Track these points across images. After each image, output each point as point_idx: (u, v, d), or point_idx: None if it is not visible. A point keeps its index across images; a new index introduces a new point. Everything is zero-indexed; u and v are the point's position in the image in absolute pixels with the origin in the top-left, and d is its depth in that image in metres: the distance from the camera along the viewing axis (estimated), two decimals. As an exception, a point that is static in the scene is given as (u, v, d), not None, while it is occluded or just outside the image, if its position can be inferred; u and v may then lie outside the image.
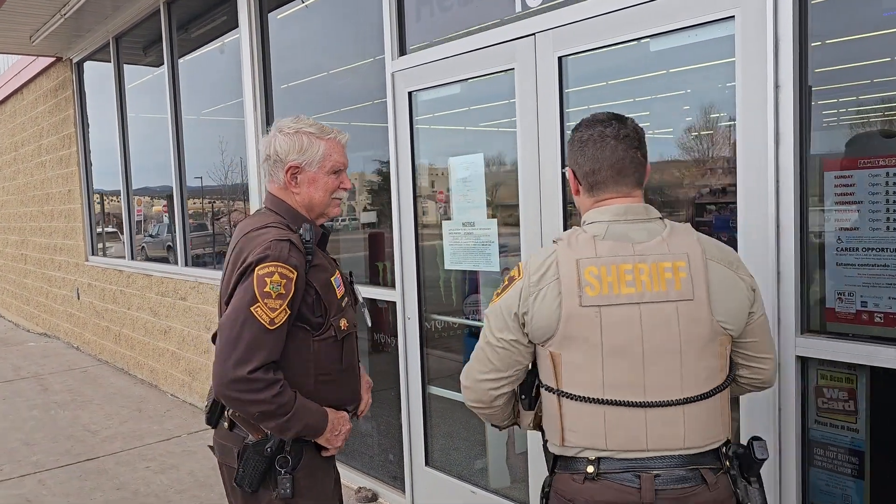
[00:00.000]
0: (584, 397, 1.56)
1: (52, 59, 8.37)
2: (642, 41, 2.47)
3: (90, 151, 8.15)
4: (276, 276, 1.85)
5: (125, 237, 7.32)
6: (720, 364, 1.59)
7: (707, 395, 1.57)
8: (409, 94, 3.46)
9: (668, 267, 1.55)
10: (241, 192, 5.68)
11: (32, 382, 7.08)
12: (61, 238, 9.00)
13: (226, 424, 2.02)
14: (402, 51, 3.55)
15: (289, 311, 1.88)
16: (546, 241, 2.83)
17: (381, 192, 4.31)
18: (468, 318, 3.54)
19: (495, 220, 3.13)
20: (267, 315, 1.84)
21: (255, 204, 4.82)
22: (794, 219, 2.10)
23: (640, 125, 1.69)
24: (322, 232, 2.12)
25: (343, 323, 2.05)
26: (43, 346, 9.09)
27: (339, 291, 2.05)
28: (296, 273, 1.88)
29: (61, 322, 9.34)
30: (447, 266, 3.37)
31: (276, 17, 4.70)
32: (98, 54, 7.50)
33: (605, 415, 1.55)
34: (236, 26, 4.99)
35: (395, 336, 3.81)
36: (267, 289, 1.84)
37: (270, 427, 1.92)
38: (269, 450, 1.94)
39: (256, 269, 1.85)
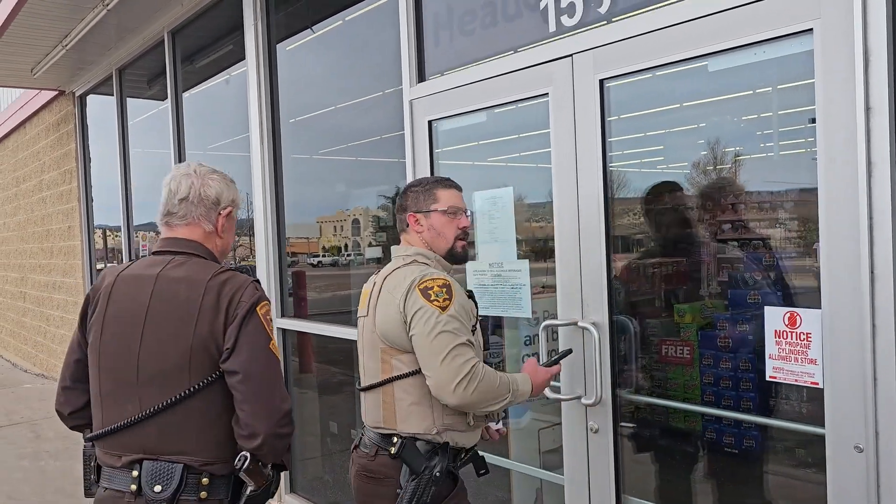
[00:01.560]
0: None
1: (55, 93, 8.20)
2: (699, 60, 2.19)
3: (91, 187, 7.93)
4: (269, 314, 1.94)
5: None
6: (382, 367, 2.11)
7: (369, 387, 2.14)
8: (430, 123, 3.18)
9: (367, 293, 2.21)
10: (248, 227, 5.42)
11: (25, 429, 6.74)
12: (60, 276, 8.73)
13: (202, 494, 1.87)
14: (421, 77, 3.29)
15: None
16: (586, 280, 2.53)
17: (387, 229, 4.08)
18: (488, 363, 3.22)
19: (526, 260, 2.82)
20: (277, 351, 1.93)
21: (260, 240, 4.52)
22: (892, 263, 1.79)
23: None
24: None
25: None
26: (40, 388, 8.75)
27: None
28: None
29: (59, 363, 9.01)
30: (472, 311, 3.06)
31: (284, 48, 4.47)
32: (101, 87, 7.32)
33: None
34: (243, 58, 4.76)
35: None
36: (271, 326, 1.94)
37: (286, 457, 2.02)
38: (273, 490, 1.99)
39: (257, 309, 1.89)
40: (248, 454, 1.84)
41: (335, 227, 4.54)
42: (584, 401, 2.52)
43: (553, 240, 3.01)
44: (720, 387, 2.51)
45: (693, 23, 2.15)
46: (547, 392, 2.58)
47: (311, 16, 4.34)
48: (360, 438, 2.20)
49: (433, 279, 2.04)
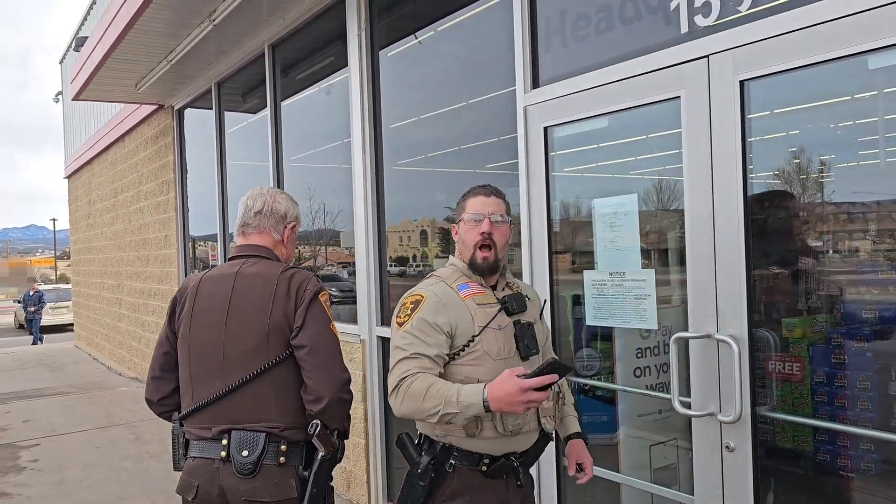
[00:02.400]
0: None
1: (155, 107, 8.54)
2: (857, 58, 2.06)
3: (188, 197, 8.20)
4: (328, 301, 2.31)
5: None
6: None
7: None
8: (545, 129, 3.13)
9: None
10: (329, 236, 5.49)
11: (125, 430, 6.98)
12: (156, 283, 9.06)
13: (281, 459, 2.21)
14: (535, 83, 3.24)
15: None
16: (722, 290, 2.41)
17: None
18: (584, 376, 3.13)
19: (652, 270, 2.72)
20: (335, 331, 2.29)
21: (361, 245, 4.55)
22: None
23: None
24: None
25: None
26: (134, 392, 9.08)
27: None
28: None
29: (153, 367, 9.33)
30: (589, 322, 2.98)
31: (386, 55, 4.50)
32: (199, 101, 7.58)
33: None
34: (342, 67, 4.83)
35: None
36: (330, 310, 2.31)
37: (346, 424, 2.31)
38: (339, 457, 2.30)
39: (319, 296, 2.27)
40: (318, 422, 2.17)
41: (401, 236, 4.55)
42: (720, 417, 2.40)
43: (669, 248, 2.92)
44: (835, 405, 2.39)
45: (852, 18, 2.03)
46: (676, 406, 2.48)
47: (414, 24, 4.37)
48: None
49: (412, 295, 2.16)
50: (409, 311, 2.11)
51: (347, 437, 2.34)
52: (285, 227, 2.43)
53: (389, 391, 2.06)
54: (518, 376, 1.94)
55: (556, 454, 3.17)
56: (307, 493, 2.20)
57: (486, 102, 3.93)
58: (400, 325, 2.11)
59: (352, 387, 2.28)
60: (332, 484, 2.31)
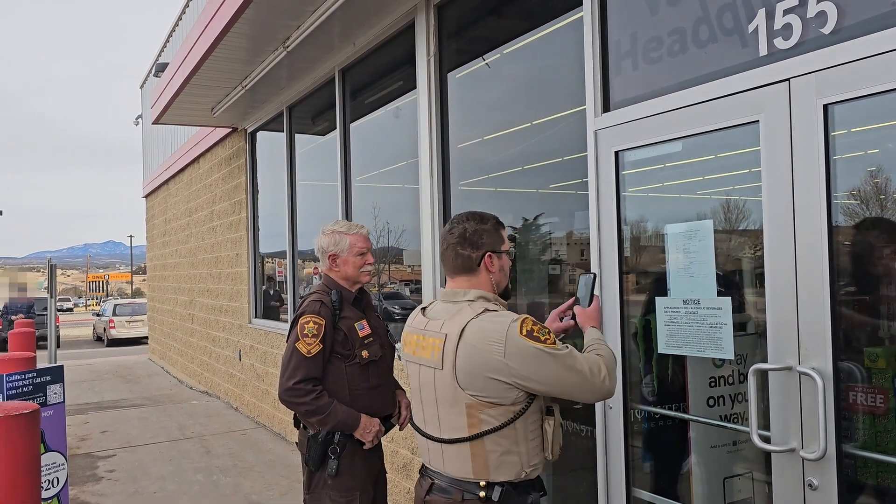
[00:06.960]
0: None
1: (229, 130, 8.83)
2: (952, 80, 1.97)
3: (258, 217, 8.43)
4: (310, 324, 2.92)
5: (288, 300, 7.39)
6: (468, 422, 2.07)
7: (454, 440, 2.10)
8: (616, 153, 3.09)
9: (432, 342, 2.13)
10: (392, 254, 5.55)
11: (196, 443, 7.17)
12: (227, 300, 9.31)
13: (302, 425, 3.07)
14: (606, 107, 3.21)
15: (321, 346, 2.92)
16: (805, 321, 2.32)
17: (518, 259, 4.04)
18: (657, 405, 3.05)
19: (728, 298, 2.64)
20: (305, 347, 2.90)
21: (427, 264, 4.59)
22: None
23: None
24: (355, 295, 3.12)
25: (364, 353, 3.01)
26: (205, 405, 9.33)
27: (362, 332, 3.03)
28: (324, 321, 2.94)
29: (222, 382, 9.58)
30: (661, 349, 2.90)
31: (454, 76, 4.55)
32: (271, 124, 7.80)
33: (417, 436, 2.28)
34: (410, 89, 4.90)
35: (588, 425, 3.35)
36: (305, 331, 2.92)
37: (313, 421, 2.93)
38: (319, 439, 2.93)
39: (300, 319, 2.96)
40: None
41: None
42: (802, 454, 2.30)
43: (743, 270, 2.84)
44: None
45: (947, 39, 1.94)
46: (755, 440, 2.39)
47: (482, 46, 4.41)
48: (432, 483, 2.19)
49: (527, 317, 2.06)
50: (547, 332, 2.04)
51: (330, 431, 2.92)
52: (327, 257, 3.10)
53: (601, 378, 2.07)
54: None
55: (624, 437, 3.09)
56: (306, 454, 2.98)
57: (551, 123, 3.92)
58: (545, 341, 2.01)
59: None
60: (332, 461, 2.90)
